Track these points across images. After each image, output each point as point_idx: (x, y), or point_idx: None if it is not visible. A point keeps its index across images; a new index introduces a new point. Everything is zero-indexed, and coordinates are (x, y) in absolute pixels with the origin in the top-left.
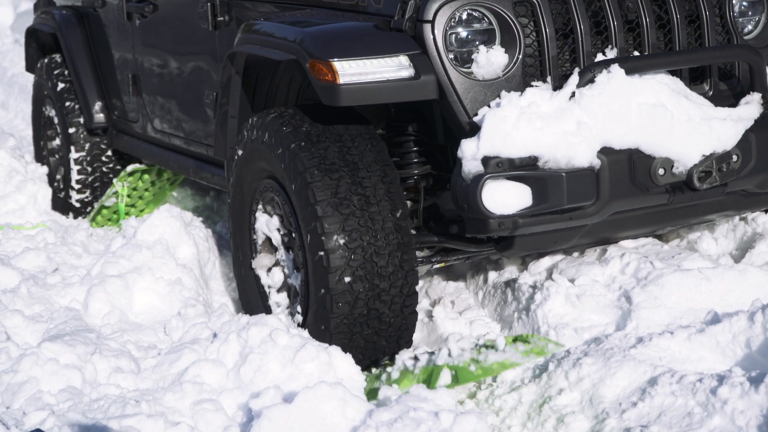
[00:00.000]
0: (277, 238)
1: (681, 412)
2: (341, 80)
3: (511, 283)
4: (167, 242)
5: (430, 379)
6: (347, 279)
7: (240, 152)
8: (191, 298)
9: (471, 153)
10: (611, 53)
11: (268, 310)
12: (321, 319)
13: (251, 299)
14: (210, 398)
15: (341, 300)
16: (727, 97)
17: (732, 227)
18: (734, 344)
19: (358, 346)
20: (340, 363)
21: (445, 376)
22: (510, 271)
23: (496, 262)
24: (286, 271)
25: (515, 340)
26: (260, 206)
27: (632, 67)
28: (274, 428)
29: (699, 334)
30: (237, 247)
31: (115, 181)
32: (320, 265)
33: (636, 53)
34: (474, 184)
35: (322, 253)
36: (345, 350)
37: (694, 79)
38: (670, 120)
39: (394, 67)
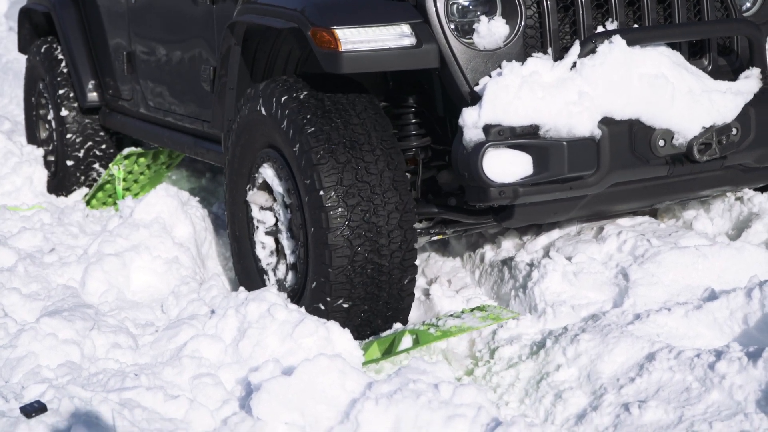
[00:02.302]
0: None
1: (679, 388)
2: (343, 48)
3: (507, 262)
4: (164, 221)
5: (392, 345)
6: (346, 235)
7: (239, 121)
8: (188, 277)
9: (472, 121)
10: (611, 26)
11: (263, 273)
12: (320, 277)
13: (248, 272)
14: (209, 372)
15: (340, 254)
16: (726, 72)
17: (728, 207)
18: (732, 320)
19: (358, 298)
20: (339, 338)
21: (407, 340)
22: (507, 250)
23: (493, 240)
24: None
25: (473, 309)
26: (259, 171)
27: (633, 38)
28: (273, 400)
29: (696, 311)
30: (233, 219)
31: (110, 164)
32: (319, 225)
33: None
34: (475, 152)
35: (321, 212)
36: (347, 302)
37: (693, 54)
38: (671, 91)
39: (396, 36)
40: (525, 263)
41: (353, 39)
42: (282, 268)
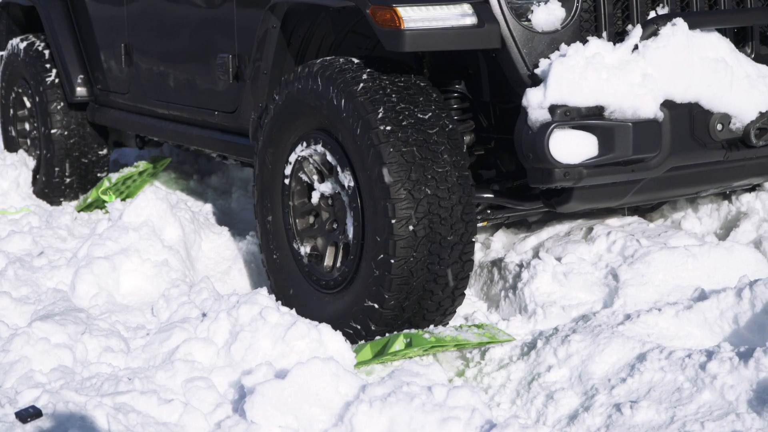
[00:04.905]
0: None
1: (670, 388)
2: (406, 26)
3: (497, 262)
4: (153, 224)
5: (385, 347)
6: (411, 227)
7: (280, 103)
8: (178, 280)
9: (537, 102)
10: (662, 12)
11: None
12: (379, 269)
13: (281, 264)
14: (201, 376)
15: (404, 246)
16: None
17: (716, 206)
18: (722, 320)
19: (413, 297)
20: (331, 340)
21: (400, 342)
22: (496, 251)
23: (483, 241)
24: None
25: (471, 325)
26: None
27: (694, 21)
28: (267, 403)
29: (687, 311)
30: (264, 211)
31: (98, 190)
32: (384, 215)
33: None
34: (541, 132)
35: (386, 203)
36: (401, 300)
37: (736, 42)
38: (731, 76)
39: (458, 15)
40: (515, 264)
41: (415, 17)
42: (324, 258)
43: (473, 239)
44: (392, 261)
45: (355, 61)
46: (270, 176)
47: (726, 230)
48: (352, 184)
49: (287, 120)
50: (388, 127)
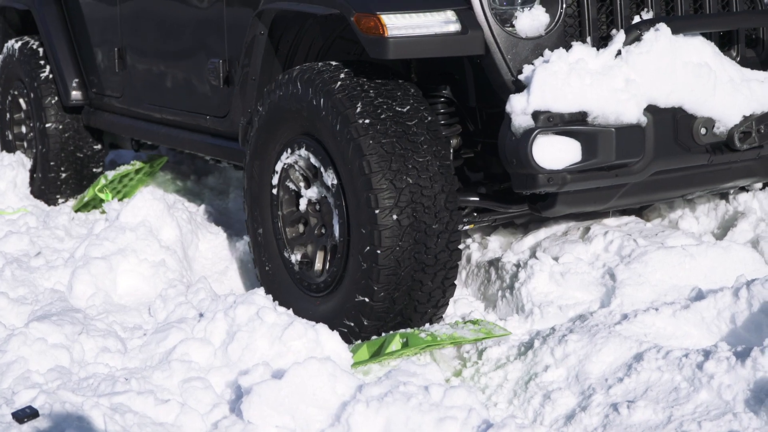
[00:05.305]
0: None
1: (667, 387)
2: (389, 33)
3: (494, 262)
4: (150, 224)
5: (381, 347)
6: (395, 216)
7: (265, 110)
8: (175, 280)
9: (521, 107)
10: (647, 16)
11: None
12: (367, 261)
13: (272, 270)
14: (198, 376)
15: (389, 235)
16: (754, 63)
17: (713, 206)
18: (719, 320)
19: (403, 288)
20: (328, 340)
21: (397, 342)
22: (493, 250)
23: (480, 241)
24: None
25: (466, 321)
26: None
27: (677, 26)
28: (264, 404)
29: (684, 311)
30: (254, 223)
31: (95, 188)
32: (367, 206)
33: None
34: (524, 138)
35: (369, 194)
36: (391, 291)
37: (721, 45)
38: (714, 80)
39: (442, 22)
40: (512, 264)
41: (399, 24)
42: (314, 263)
43: (459, 227)
44: (378, 252)
45: (333, 63)
46: (258, 188)
47: (723, 230)
48: (335, 182)
49: (271, 129)
50: (367, 120)
